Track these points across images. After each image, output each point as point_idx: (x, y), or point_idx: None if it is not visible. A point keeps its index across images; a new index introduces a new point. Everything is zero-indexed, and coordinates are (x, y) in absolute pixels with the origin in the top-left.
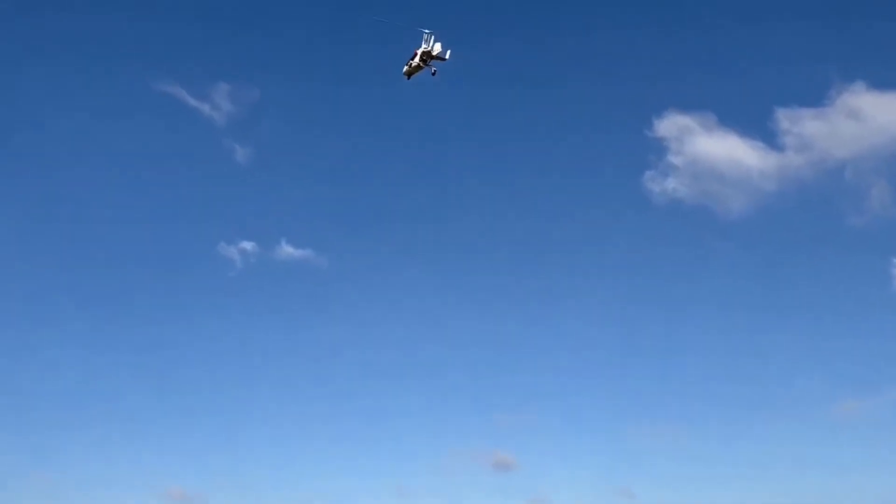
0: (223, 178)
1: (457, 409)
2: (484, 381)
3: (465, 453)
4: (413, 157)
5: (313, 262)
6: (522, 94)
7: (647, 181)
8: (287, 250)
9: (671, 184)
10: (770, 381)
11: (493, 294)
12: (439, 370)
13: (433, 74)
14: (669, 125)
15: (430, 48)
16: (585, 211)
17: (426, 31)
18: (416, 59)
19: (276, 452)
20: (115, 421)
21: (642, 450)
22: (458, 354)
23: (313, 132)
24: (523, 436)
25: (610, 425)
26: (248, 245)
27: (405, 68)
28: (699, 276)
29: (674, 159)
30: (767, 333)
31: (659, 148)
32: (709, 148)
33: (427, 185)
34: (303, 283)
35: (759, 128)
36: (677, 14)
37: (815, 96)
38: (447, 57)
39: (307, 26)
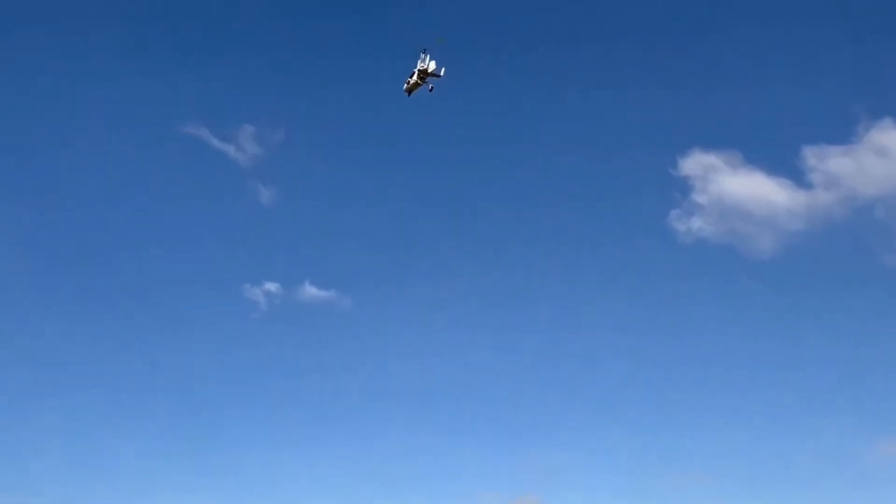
0: (247, 219)
1: (484, 449)
2: (512, 421)
3: (493, 499)
4: (435, 195)
5: (336, 304)
6: (546, 132)
7: (672, 220)
8: (311, 291)
9: (697, 223)
10: (802, 423)
11: (518, 333)
12: (465, 410)
13: (430, 91)
14: (694, 164)
15: (426, 66)
16: (609, 250)
17: (423, 51)
18: (415, 77)
19: (294, 491)
20: (136, 461)
21: (673, 497)
22: (484, 394)
23: (337, 172)
24: (553, 478)
25: (641, 470)
26: (272, 286)
27: (405, 85)
28: (727, 317)
29: (699, 198)
30: (799, 373)
31: (684, 187)
32: (735, 186)
33: (452, 227)
34: (326, 324)
35: (785, 166)
36: (701, 52)
37: (842, 133)
38: (441, 74)
39: (332, 67)
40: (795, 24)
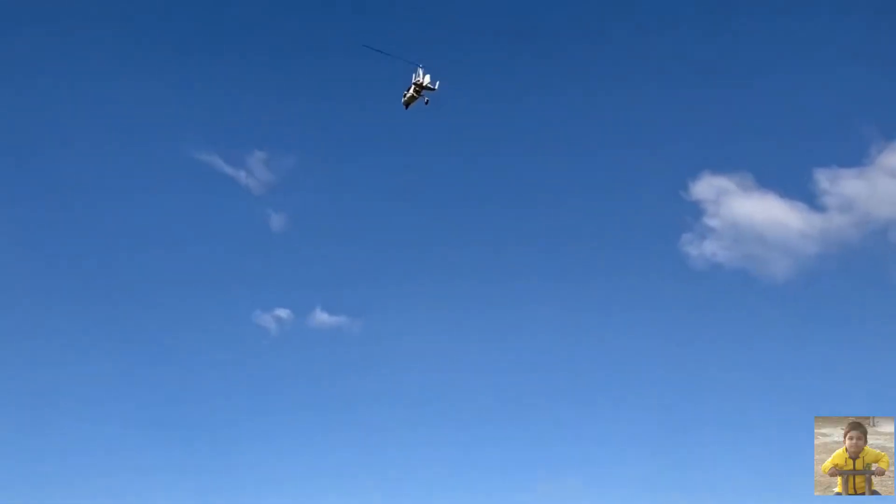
0: (258, 245)
1: (497, 477)
2: (526, 449)
3: None
4: (446, 220)
5: (347, 329)
6: (552, 156)
7: (683, 245)
8: (321, 317)
9: (709, 247)
10: None
11: (530, 358)
12: (479, 434)
13: (426, 104)
14: (705, 187)
15: (421, 80)
16: (620, 276)
17: (420, 66)
18: (412, 91)
19: None
20: (144, 490)
21: None
22: (498, 421)
23: (347, 197)
24: None
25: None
26: (283, 312)
27: (403, 98)
28: (743, 341)
29: (711, 222)
30: (818, 398)
31: (695, 210)
32: (747, 209)
33: (460, 250)
34: (337, 350)
35: (798, 188)
36: (708, 73)
37: (854, 156)
38: (436, 87)
39: (342, 92)
40: (805, 45)
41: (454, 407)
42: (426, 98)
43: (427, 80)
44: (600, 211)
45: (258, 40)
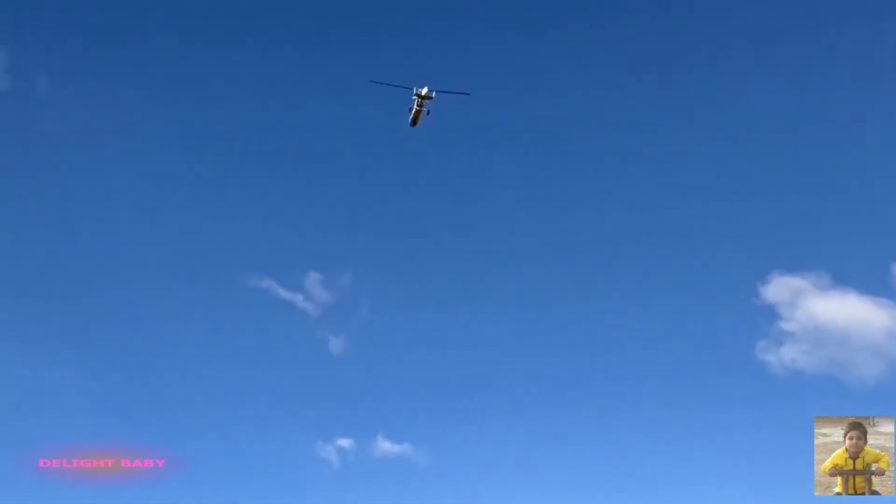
0: (317, 371)
1: None
2: None
3: None
4: (516, 338)
5: (411, 458)
6: (610, 261)
7: (760, 352)
8: (384, 446)
9: (788, 353)
10: None
11: (610, 473)
12: None
13: (427, 114)
14: (778, 288)
15: (422, 91)
16: (698, 392)
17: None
18: (416, 105)
19: None
20: None
21: None
22: None
23: (407, 314)
24: None
25: None
26: (344, 442)
27: (409, 117)
28: None
29: (787, 326)
30: None
31: (769, 314)
32: (826, 310)
33: (530, 370)
34: (402, 480)
35: (878, 283)
36: (772, 172)
37: None
38: (434, 95)
39: (393, 205)
40: (875, 128)
41: None
42: (427, 109)
43: (426, 90)
44: (666, 325)
45: (302, 163)
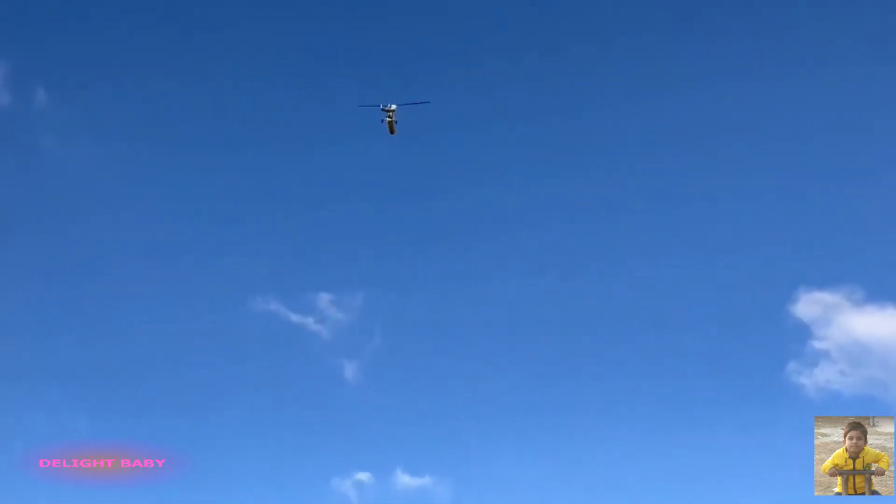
0: (332, 401)
1: None
2: None
3: None
4: (539, 364)
5: (432, 492)
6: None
7: (791, 374)
8: (404, 480)
9: (822, 374)
10: None
11: None
12: None
13: (397, 123)
14: (808, 305)
15: (389, 107)
16: (731, 422)
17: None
18: (386, 117)
19: None
20: None
21: None
22: None
23: (424, 336)
24: None
25: None
26: (363, 476)
27: (388, 128)
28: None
29: (820, 345)
30: None
31: (800, 333)
32: (861, 327)
33: (557, 396)
34: None
35: None
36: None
37: None
38: (394, 108)
39: (401, 220)
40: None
41: None
42: (395, 119)
43: (392, 105)
44: (696, 351)
45: (307, 180)
